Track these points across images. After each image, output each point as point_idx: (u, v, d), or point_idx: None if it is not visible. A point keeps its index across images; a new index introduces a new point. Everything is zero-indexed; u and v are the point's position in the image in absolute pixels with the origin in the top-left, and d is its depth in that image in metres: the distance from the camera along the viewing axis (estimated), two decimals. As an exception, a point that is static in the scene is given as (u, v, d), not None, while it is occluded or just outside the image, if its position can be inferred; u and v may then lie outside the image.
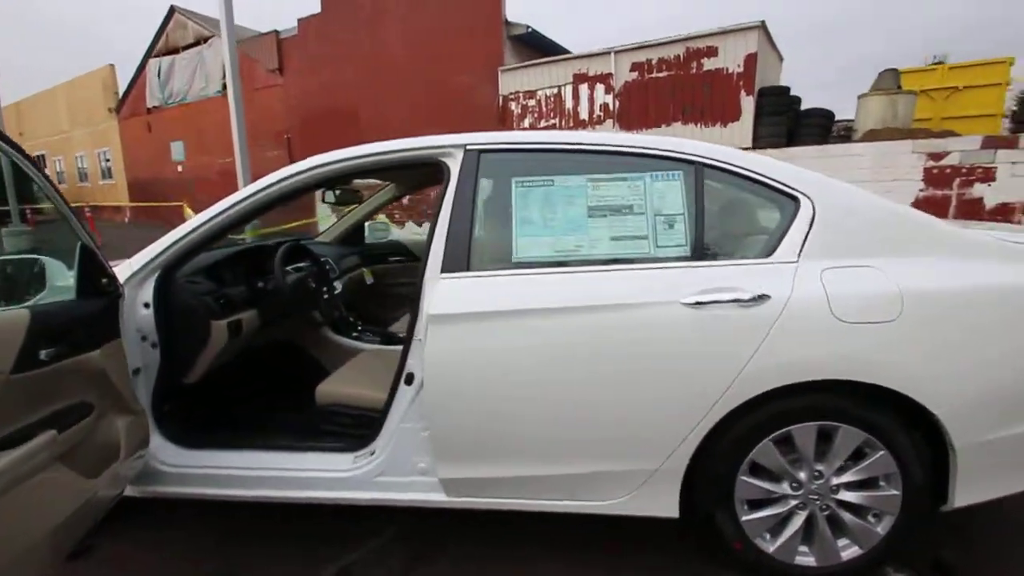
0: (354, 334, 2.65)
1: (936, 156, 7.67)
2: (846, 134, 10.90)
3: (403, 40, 13.22)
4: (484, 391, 1.55)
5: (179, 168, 18.43)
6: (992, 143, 7.42)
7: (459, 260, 1.59)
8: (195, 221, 1.79)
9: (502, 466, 1.60)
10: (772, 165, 1.59)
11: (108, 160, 20.98)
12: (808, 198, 1.54)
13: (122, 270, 1.76)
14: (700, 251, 1.54)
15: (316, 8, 14.44)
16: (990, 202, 7.34)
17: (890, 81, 10.37)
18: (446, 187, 1.68)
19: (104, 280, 1.50)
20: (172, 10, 17.41)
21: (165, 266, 1.80)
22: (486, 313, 1.53)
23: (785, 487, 1.57)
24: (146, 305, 1.78)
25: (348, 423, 1.93)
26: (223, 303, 1.92)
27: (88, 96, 20.60)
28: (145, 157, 19.24)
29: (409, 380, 1.71)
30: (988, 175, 7.41)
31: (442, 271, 1.59)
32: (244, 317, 2.01)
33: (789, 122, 10.11)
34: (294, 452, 1.82)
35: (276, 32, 15.46)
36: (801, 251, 1.51)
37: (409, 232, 9.59)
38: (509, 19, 12.33)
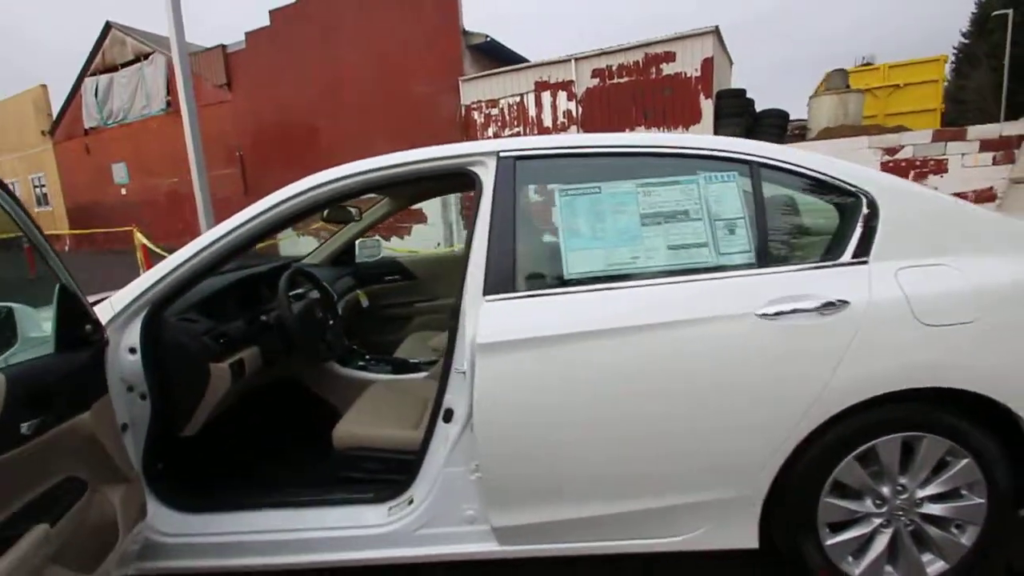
0: (360, 364, 2.41)
1: (891, 151, 8.01)
2: (800, 133, 11.32)
3: (359, 53, 12.92)
4: (544, 426, 1.38)
5: (123, 191, 17.41)
6: (942, 136, 7.80)
7: (504, 280, 1.42)
8: (188, 250, 1.55)
9: (565, 508, 1.44)
10: (829, 162, 1.50)
11: (43, 186, 19.62)
12: (871, 195, 1.45)
13: (102, 311, 1.50)
14: (765, 256, 1.43)
15: (264, 22, 13.95)
16: (944, 193, 7.68)
17: (839, 81, 10.82)
18: (479, 200, 1.51)
19: (88, 327, 1.26)
20: (108, 26, 16.48)
21: (153, 304, 1.55)
22: (541, 339, 1.36)
23: (869, 505, 1.46)
24: (132, 350, 1.52)
25: (376, 468, 1.71)
26: (222, 342, 1.68)
27: (18, 119, 19.20)
28: (85, 181, 18.09)
29: (448, 416, 1.52)
30: (940, 167, 7.79)
31: (485, 293, 1.42)
32: (246, 356, 1.77)
33: (747, 123, 10.39)
34: (315, 508, 1.60)
35: (223, 47, 14.85)
36: (871, 251, 1.41)
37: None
38: (467, 28, 12.24)
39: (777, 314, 1.34)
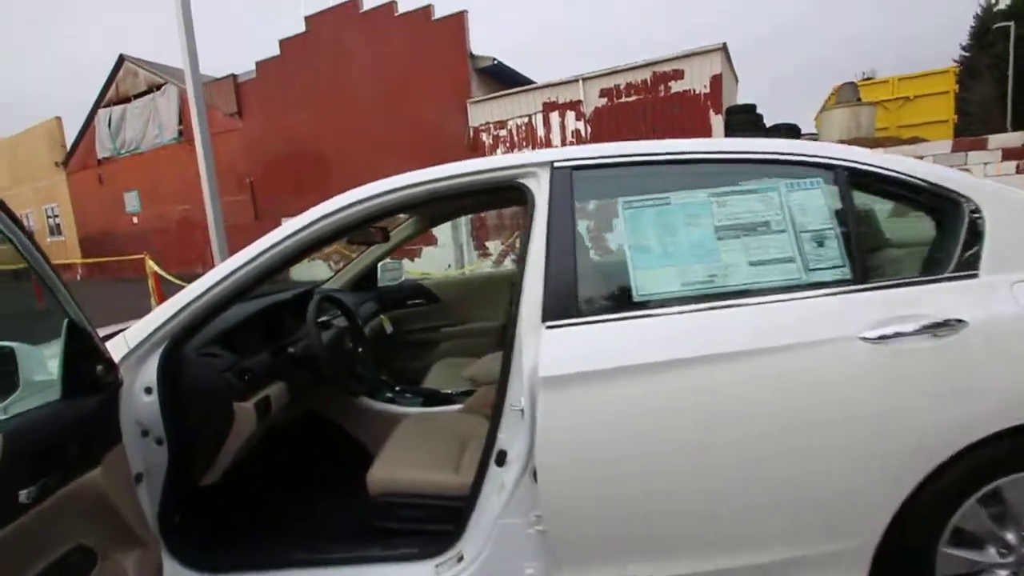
0: (388, 395, 2.23)
1: (911, 161, 7.85)
2: (812, 146, 11.18)
3: (367, 79, 13.05)
4: (621, 472, 1.20)
5: (134, 220, 17.53)
6: (962, 146, 7.63)
7: (565, 305, 1.26)
8: (212, 277, 1.40)
9: (646, 565, 1.25)
10: (924, 167, 1.34)
11: (56, 216, 19.81)
12: (974, 201, 1.29)
13: (114, 347, 1.35)
14: (862, 272, 1.26)
15: (274, 51, 14.16)
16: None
17: (850, 94, 10.74)
18: (532, 216, 1.36)
19: (100, 368, 1.10)
20: (122, 59, 16.83)
21: (172, 338, 1.40)
22: (615, 371, 1.19)
23: (992, 554, 1.26)
24: (148, 390, 1.37)
25: (417, 517, 1.53)
26: (247, 378, 1.52)
27: (33, 151, 19.50)
28: (97, 211, 18.25)
29: (501, 459, 1.35)
30: (963, 177, 7.60)
31: (545, 320, 1.26)
32: (272, 392, 1.61)
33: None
34: (352, 566, 1.41)
35: (234, 76, 15.06)
36: (980, 264, 1.24)
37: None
38: (474, 52, 12.33)
39: (882, 337, 1.17)
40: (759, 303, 1.24)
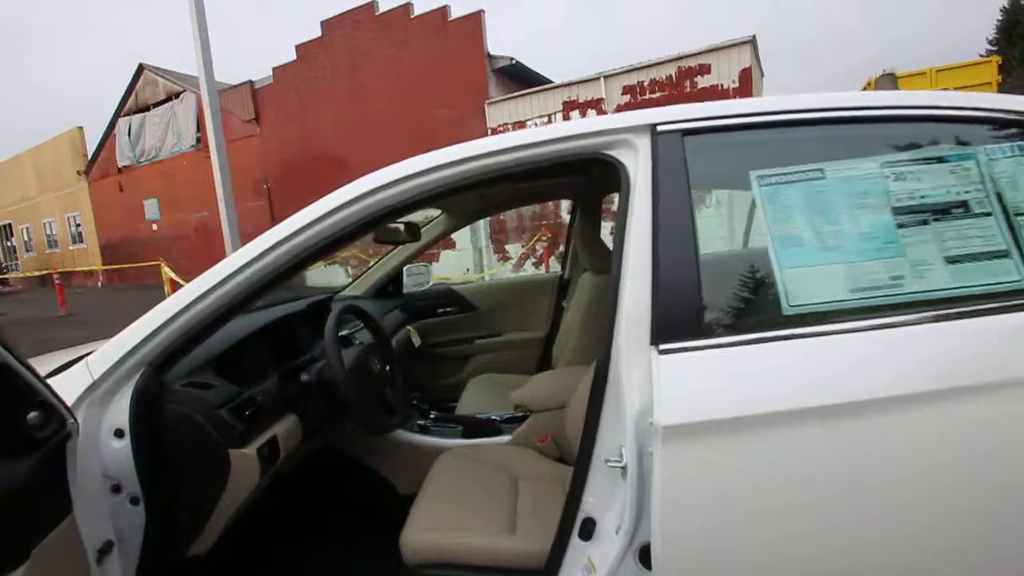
0: (420, 422, 1.87)
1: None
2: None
3: (384, 81, 12.86)
4: (783, 557, 0.83)
5: (154, 227, 17.58)
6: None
7: (684, 321, 0.90)
8: (202, 283, 1.07)
9: None
10: None
11: (79, 224, 19.99)
12: None
13: (72, 379, 1.03)
14: (1113, 270, 0.87)
15: (290, 56, 14.04)
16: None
17: (889, 85, 10.20)
18: (627, 199, 0.99)
19: (33, 416, 0.77)
20: (141, 68, 16.92)
21: (151, 365, 1.06)
22: (766, 416, 0.82)
23: None
24: (118, 434, 1.04)
25: (470, 598, 1.17)
26: (248, 414, 1.18)
27: (56, 160, 19.74)
28: (118, 218, 18.37)
29: (588, 532, 0.99)
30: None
31: (656, 342, 0.89)
32: (280, 432, 1.26)
33: (793, 132, 9.82)
34: None
35: (251, 82, 15.01)
36: None
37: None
38: (491, 52, 12.04)
39: None
40: (971, 314, 0.87)
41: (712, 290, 0.92)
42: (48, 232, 21.22)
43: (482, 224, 11.58)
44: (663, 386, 0.85)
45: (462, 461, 1.58)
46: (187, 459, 1.07)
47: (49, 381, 1.09)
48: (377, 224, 1.10)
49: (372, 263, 2.63)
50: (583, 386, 1.47)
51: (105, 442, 1.03)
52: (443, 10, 12.07)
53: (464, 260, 11.87)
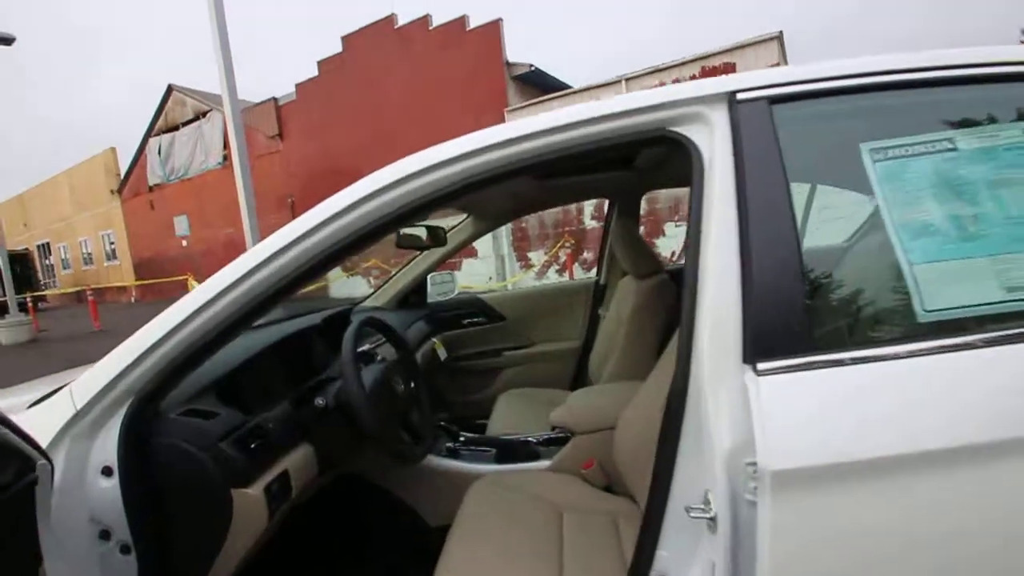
0: (449, 446, 1.70)
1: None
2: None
3: (405, 93, 12.92)
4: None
5: (183, 243, 17.98)
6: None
7: (787, 332, 0.71)
8: (201, 295, 0.92)
9: None
10: None
11: (112, 242, 20.63)
12: None
13: (55, 408, 0.89)
14: None
15: (312, 72, 14.24)
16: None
17: None
18: (701, 184, 0.81)
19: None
20: (170, 88, 17.41)
21: (143, 391, 0.92)
22: (913, 458, 0.63)
23: None
24: (106, 471, 0.89)
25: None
26: (254, 447, 1.03)
27: (90, 180, 20.45)
28: (149, 235, 18.87)
29: (661, 594, 0.80)
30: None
31: (750, 360, 0.70)
32: (291, 466, 1.10)
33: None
34: None
35: (274, 99, 15.27)
36: None
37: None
38: (510, 60, 11.98)
39: None
40: None
41: (821, 293, 0.73)
42: (84, 250, 21.94)
43: (504, 231, 11.44)
44: (766, 416, 0.66)
45: (499, 491, 1.39)
46: (184, 501, 0.93)
47: (32, 411, 0.97)
48: (422, 212, 0.95)
49: (394, 272, 2.49)
50: (638, 407, 1.28)
51: (92, 481, 0.89)
52: (461, 20, 12.08)
53: (486, 268, 11.75)
